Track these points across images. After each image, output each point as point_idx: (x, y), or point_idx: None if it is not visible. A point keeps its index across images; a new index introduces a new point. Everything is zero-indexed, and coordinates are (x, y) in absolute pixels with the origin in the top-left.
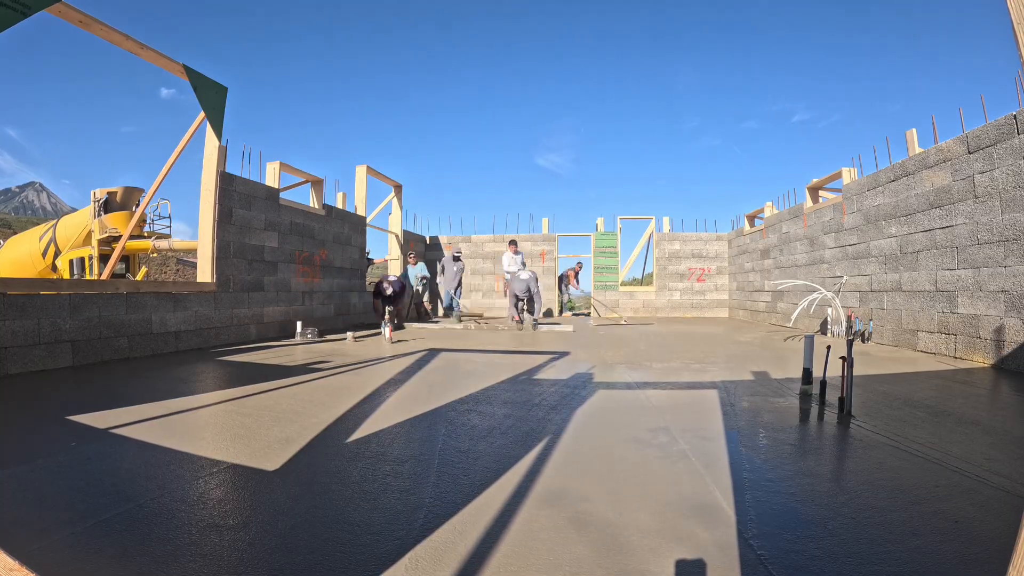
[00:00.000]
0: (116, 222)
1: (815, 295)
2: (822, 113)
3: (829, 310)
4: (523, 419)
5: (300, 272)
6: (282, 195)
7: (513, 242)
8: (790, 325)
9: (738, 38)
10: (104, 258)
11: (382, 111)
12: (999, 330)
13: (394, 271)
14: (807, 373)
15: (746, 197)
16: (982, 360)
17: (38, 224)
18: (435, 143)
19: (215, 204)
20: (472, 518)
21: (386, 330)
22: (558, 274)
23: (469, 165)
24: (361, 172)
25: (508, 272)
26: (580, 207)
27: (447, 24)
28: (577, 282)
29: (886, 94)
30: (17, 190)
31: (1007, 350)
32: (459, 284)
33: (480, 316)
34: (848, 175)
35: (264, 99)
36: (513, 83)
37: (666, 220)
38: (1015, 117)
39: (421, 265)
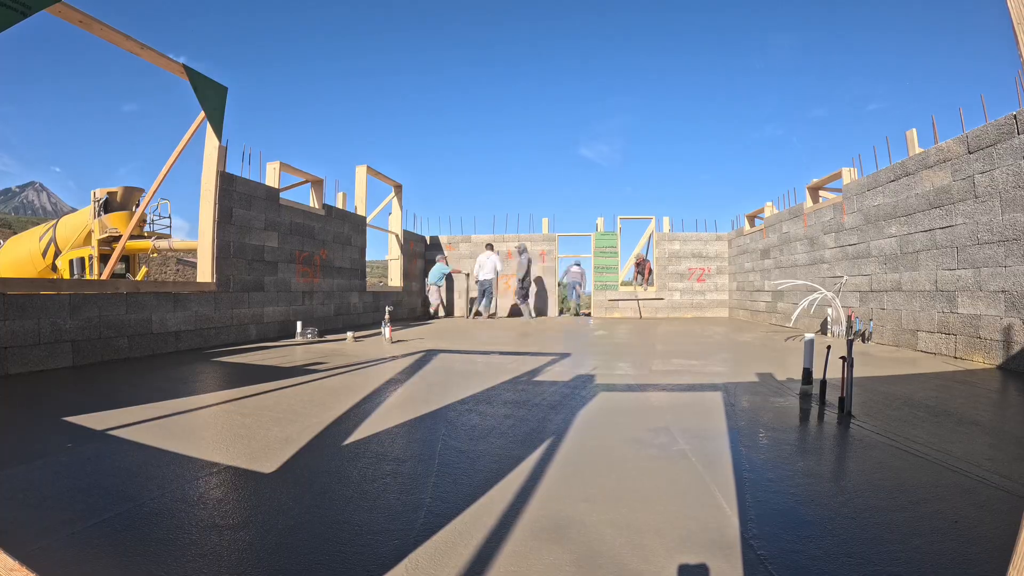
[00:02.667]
0: (116, 222)
1: (815, 295)
2: (902, 100)
3: (829, 310)
4: (524, 419)
5: (300, 272)
6: (282, 195)
7: (490, 245)
8: (790, 325)
9: (827, 13)
10: (104, 258)
11: (384, 111)
12: (999, 330)
13: (394, 271)
14: (807, 373)
15: (746, 197)
16: (982, 360)
17: (38, 224)
18: (455, 142)
19: (215, 204)
20: (472, 519)
21: (386, 330)
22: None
23: (502, 165)
24: (361, 172)
25: (486, 279)
26: (624, 204)
27: (488, 14)
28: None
29: (978, 79)
30: (17, 190)
31: (1008, 350)
32: (526, 277)
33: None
34: (848, 175)
35: (264, 99)
36: (569, 63)
37: (666, 220)
38: (1015, 117)
39: (440, 265)
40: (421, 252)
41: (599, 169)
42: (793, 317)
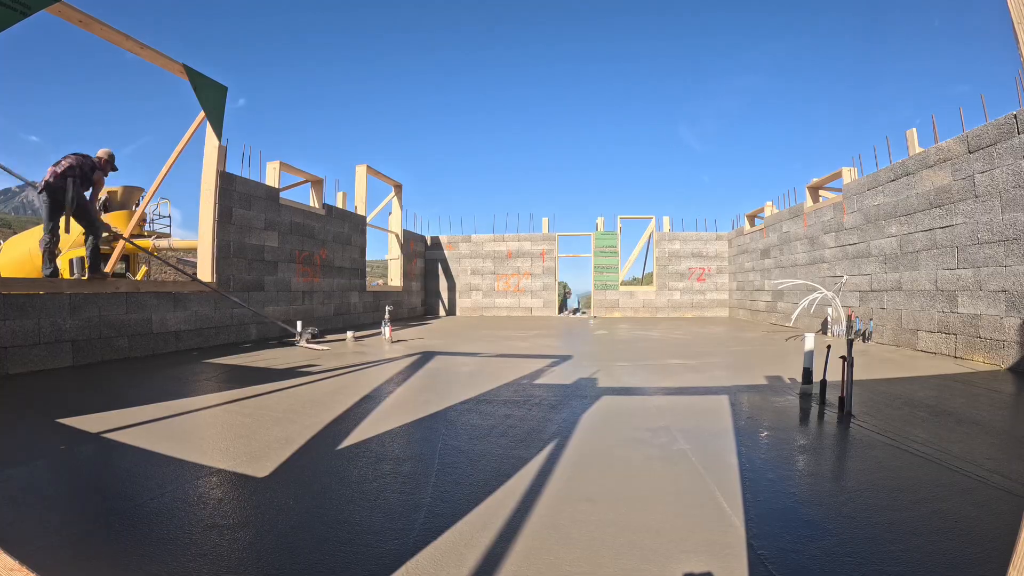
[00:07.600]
0: (116, 221)
1: (815, 295)
2: None
3: (829, 310)
4: (525, 419)
5: (300, 272)
6: (282, 195)
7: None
8: (790, 325)
9: None
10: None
11: (385, 111)
12: (999, 330)
13: (394, 271)
14: (807, 373)
15: (746, 197)
16: (982, 360)
17: (38, 224)
18: (459, 143)
19: (215, 204)
20: (474, 521)
21: (386, 330)
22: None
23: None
24: (361, 172)
25: None
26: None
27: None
28: None
29: None
30: (17, 190)
31: (1007, 350)
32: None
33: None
34: (848, 175)
35: (264, 98)
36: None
37: (666, 220)
38: (1015, 117)
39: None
40: (421, 252)
41: (692, 154)
42: (793, 317)
